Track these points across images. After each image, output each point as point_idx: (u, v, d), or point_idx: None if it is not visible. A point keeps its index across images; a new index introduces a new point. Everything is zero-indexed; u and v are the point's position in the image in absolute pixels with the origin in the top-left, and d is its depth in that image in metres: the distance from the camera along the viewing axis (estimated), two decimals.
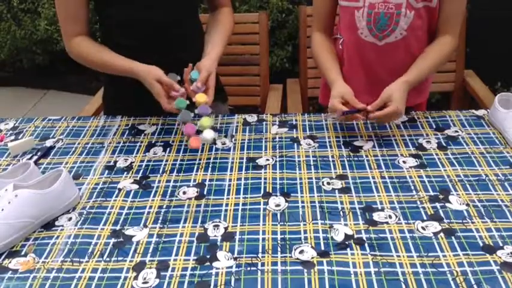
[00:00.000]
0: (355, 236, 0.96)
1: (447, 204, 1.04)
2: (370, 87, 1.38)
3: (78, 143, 1.33)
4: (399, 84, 1.25)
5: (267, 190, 1.11)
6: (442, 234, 0.96)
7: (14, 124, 1.45)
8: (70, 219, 1.04)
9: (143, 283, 0.88)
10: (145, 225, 1.02)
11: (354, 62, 1.43)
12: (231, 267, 0.90)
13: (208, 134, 1.21)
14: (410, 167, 1.16)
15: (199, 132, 1.23)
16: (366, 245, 0.94)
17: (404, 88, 1.25)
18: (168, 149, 1.28)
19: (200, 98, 1.24)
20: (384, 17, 1.32)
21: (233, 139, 1.32)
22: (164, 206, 1.07)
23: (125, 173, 1.19)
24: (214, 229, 1.00)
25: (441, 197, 1.06)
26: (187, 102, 1.24)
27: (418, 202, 1.05)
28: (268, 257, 0.92)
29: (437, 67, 1.37)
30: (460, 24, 1.40)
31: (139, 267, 0.91)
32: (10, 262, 0.94)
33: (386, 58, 1.40)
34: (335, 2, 1.42)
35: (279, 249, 0.94)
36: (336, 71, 1.37)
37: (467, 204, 1.03)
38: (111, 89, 1.56)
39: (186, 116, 1.24)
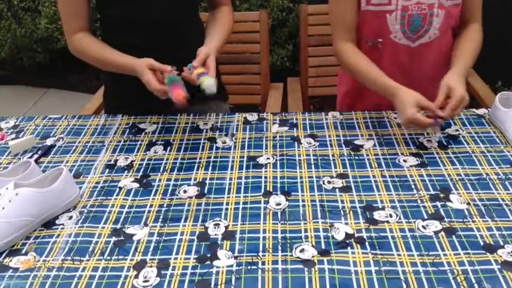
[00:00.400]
0: (356, 234, 0.96)
1: (448, 203, 1.04)
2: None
3: (79, 142, 1.33)
4: (451, 74, 1.24)
5: (268, 189, 1.10)
6: (442, 233, 0.96)
7: (15, 123, 1.45)
8: (71, 217, 1.04)
9: (144, 282, 0.88)
10: (145, 224, 1.02)
11: (385, 64, 1.37)
12: (232, 266, 0.90)
13: (209, 81, 1.17)
14: (411, 166, 1.16)
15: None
16: (367, 243, 0.94)
17: (458, 76, 1.23)
18: (169, 148, 1.28)
19: (206, 79, 1.19)
20: (418, 18, 1.31)
21: (233, 138, 1.32)
22: (165, 205, 1.07)
23: (126, 171, 1.19)
24: (215, 228, 1.00)
25: (442, 196, 1.06)
26: (179, 77, 1.20)
27: (419, 201, 1.05)
28: (268, 255, 0.92)
29: (477, 56, 1.36)
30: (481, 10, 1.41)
31: (140, 266, 0.91)
32: (11, 261, 0.94)
33: (418, 59, 1.39)
34: (357, 8, 1.35)
35: (279, 248, 0.94)
36: (389, 78, 1.29)
37: (468, 203, 1.03)
38: (112, 87, 1.56)
39: (175, 80, 1.19)
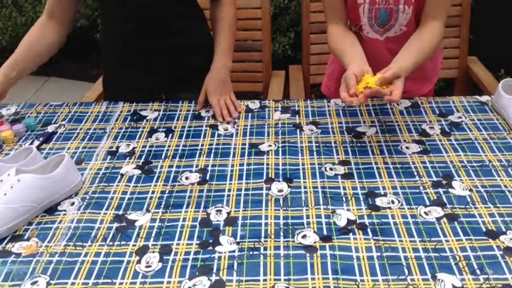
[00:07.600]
0: (358, 221, 0.96)
1: (450, 190, 1.03)
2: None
3: (80, 129, 1.33)
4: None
5: (270, 176, 1.10)
6: (444, 219, 0.96)
7: (16, 109, 1.44)
8: (73, 204, 1.04)
9: (146, 267, 0.88)
10: (148, 210, 1.02)
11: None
12: (234, 251, 0.90)
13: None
14: (414, 153, 1.16)
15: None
16: (369, 229, 0.94)
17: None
18: (171, 135, 1.28)
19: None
20: (385, 12, 1.32)
21: (235, 125, 1.31)
22: (167, 191, 1.07)
23: (127, 158, 1.19)
24: (217, 214, 1.00)
25: (444, 182, 1.06)
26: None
27: (421, 187, 1.04)
28: (270, 241, 0.92)
29: (425, 59, 1.25)
30: (447, 10, 1.32)
31: (142, 251, 0.91)
32: (13, 246, 0.94)
33: (388, 52, 1.35)
34: None
35: (281, 233, 0.94)
36: (351, 54, 1.23)
37: (470, 190, 1.03)
38: (110, 72, 1.56)
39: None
